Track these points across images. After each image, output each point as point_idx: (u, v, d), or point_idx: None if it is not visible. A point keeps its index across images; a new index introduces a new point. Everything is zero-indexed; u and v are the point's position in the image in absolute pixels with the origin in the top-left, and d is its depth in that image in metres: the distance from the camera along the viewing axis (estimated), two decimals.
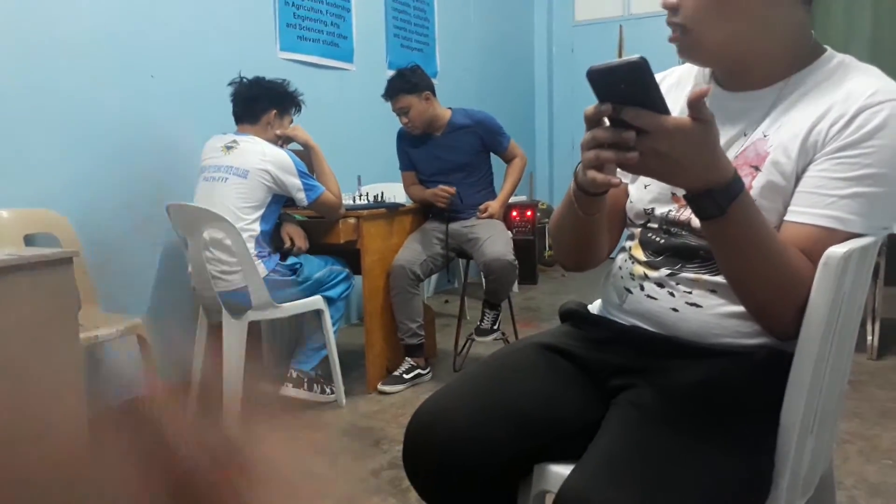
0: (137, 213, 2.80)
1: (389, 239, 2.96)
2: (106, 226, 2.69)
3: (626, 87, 0.77)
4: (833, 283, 0.90)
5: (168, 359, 2.90)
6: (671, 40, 1.02)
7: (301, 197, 2.55)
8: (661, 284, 1.06)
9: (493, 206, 3.01)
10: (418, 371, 2.92)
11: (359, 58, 4.16)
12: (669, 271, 1.05)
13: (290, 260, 2.61)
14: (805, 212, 0.94)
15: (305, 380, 2.69)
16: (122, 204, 2.75)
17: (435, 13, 4.94)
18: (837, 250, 0.89)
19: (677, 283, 1.04)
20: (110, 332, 2.22)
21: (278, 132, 2.64)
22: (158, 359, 2.47)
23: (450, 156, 3.06)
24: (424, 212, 3.17)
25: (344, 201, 3.04)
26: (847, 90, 0.94)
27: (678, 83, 1.15)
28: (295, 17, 3.65)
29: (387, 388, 2.83)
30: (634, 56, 0.75)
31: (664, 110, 0.78)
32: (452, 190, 2.97)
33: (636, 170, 0.83)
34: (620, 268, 1.15)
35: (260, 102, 2.60)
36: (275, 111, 2.62)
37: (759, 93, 1.02)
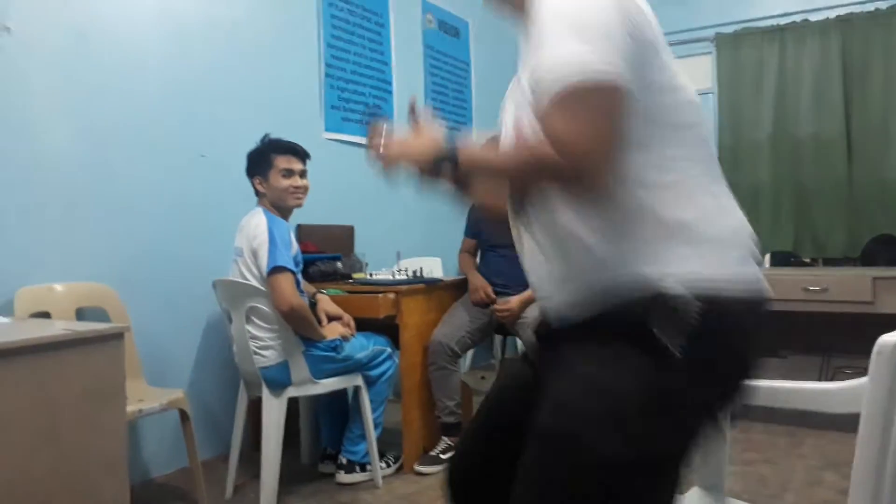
0: (184, 288, 2.87)
1: (428, 314, 2.97)
2: (153, 300, 2.76)
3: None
4: (889, 369, 0.90)
5: (209, 433, 2.92)
6: None
7: (263, 261, 2.41)
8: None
9: (513, 303, 2.95)
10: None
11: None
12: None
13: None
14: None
15: (357, 466, 2.70)
16: (170, 279, 2.83)
17: (472, 92, 5.10)
18: (890, 339, 0.90)
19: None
20: (153, 405, 2.24)
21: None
22: (199, 433, 2.48)
23: None
24: (463, 286, 3.19)
25: (383, 276, 3.09)
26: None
27: None
28: (339, 99, 3.80)
29: (423, 469, 2.78)
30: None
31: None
32: (499, 306, 2.96)
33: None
34: None
35: (249, 178, 2.63)
36: (257, 178, 2.60)
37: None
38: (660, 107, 0.99)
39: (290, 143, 2.65)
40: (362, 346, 2.66)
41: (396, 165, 1.12)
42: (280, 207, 2.60)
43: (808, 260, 4.87)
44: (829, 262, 4.73)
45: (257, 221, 2.49)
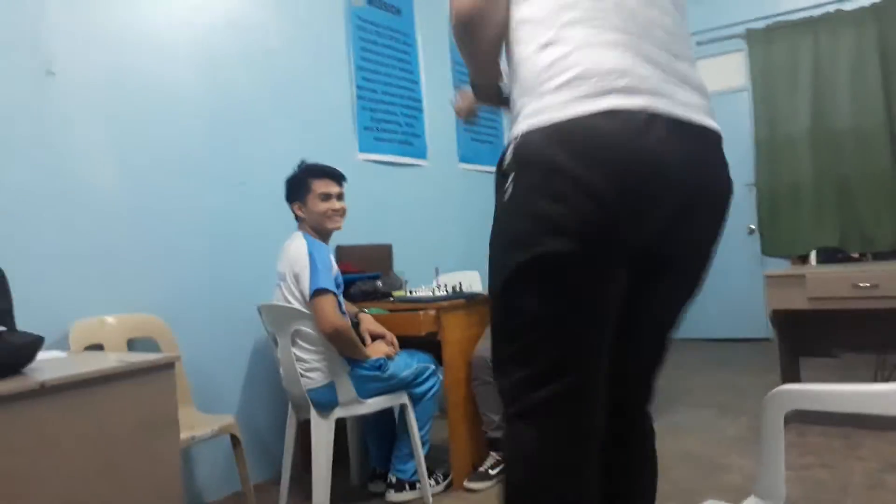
0: (230, 313, 2.93)
1: (469, 329, 2.97)
2: (200, 327, 2.82)
3: None
4: None
5: (260, 456, 2.96)
6: None
7: (305, 284, 2.46)
8: None
9: None
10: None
11: (432, 153, 4.32)
12: None
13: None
14: None
15: (407, 485, 2.70)
16: (216, 306, 2.89)
17: None
18: None
19: None
20: (205, 432, 2.29)
21: None
22: (250, 457, 2.51)
23: None
24: None
25: (422, 293, 3.11)
26: None
27: None
28: (372, 120, 3.85)
29: (473, 486, 2.77)
30: None
31: None
32: None
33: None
34: None
35: (288, 204, 2.68)
36: (296, 203, 2.65)
37: None
38: None
39: (325, 166, 2.70)
40: (406, 364, 2.67)
41: (470, 114, 1.65)
42: (319, 231, 2.64)
43: (855, 255, 4.74)
44: (878, 256, 4.60)
45: (297, 245, 2.53)
